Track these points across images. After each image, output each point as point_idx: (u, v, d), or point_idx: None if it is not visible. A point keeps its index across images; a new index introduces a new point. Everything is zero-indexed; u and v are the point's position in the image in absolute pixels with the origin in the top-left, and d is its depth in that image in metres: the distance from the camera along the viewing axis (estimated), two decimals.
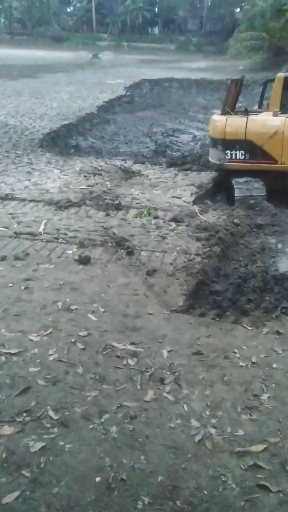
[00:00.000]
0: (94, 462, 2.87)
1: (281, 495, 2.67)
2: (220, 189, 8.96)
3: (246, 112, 8.55)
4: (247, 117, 8.29)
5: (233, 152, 8.30)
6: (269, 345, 4.07)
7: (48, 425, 3.14)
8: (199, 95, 22.77)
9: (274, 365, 3.80)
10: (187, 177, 9.23)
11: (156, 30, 71.97)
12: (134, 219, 6.97)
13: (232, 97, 8.94)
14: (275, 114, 8.09)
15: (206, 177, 9.14)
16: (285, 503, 2.61)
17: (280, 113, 8.10)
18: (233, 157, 8.35)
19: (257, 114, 8.56)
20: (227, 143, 8.36)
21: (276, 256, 6.19)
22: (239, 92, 9.22)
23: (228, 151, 8.35)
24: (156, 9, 69.96)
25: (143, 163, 10.31)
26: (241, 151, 8.24)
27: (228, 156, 8.39)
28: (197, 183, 8.71)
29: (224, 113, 8.64)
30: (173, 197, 8.02)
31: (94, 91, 22.11)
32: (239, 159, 8.32)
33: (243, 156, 8.26)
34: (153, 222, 6.88)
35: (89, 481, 2.75)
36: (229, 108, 8.72)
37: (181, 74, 29.67)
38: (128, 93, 22.42)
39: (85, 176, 9.00)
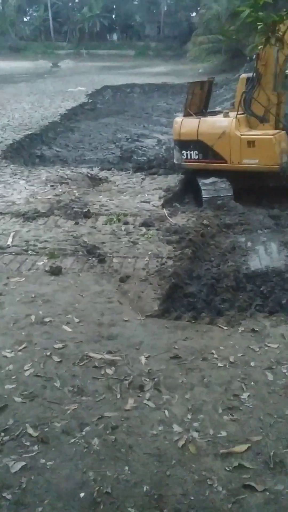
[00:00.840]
0: (77, 478, 2.80)
1: (267, 493, 2.67)
2: (187, 191, 9.02)
3: (203, 114, 8.75)
4: (200, 118, 8.52)
5: (188, 152, 8.56)
6: (245, 344, 4.09)
7: (28, 443, 3.05)
8: (161, 100, 22.95)
9: (252, 363, 3.81)
10: (154, 181, 9.26)
11: (114, 36, 72.30)
12: (104, 226, 6.93)
13: (199, 99, 9.06)
14: (225, 115, 8.25)
15: (173, 180, 9.19)
16: (271, 502, 2.61)
17: (239, 113, 8.25)
18: (189, 157, 8.60)
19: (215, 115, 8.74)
20: (182, 144, 8.63)
21: (246, 254, 6.25)
22: (209, 94, 9.31)
23: (184, 151, 8.62)
24: (113, 16, 70.29)
25: (109, 169, 10.30)
26: (195, 151, 8.48)
27: (184, 156, 8.65)
28: (164, 187, 8.75)
29: (186, 115, 8.79)
30: (141, 201, 8.02)
31: (56, 99, 21.99)
32: (194, 159, 8.56)
33: (197, 156, 8.50)
34: (123, 228, 6.85)
35: (74, 497, 2.68)
36: (197, 110, 8.84)
37: (142, 79, 29.91)
38: (91, 100, 22.40)
39: (51, 186, 8.90)
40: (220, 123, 8.25)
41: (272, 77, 7.82)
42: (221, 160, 8.23)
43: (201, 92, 9.07)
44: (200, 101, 9.09)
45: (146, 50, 58.47)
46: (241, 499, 2.64)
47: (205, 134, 8.29)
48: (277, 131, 7.93)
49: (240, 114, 8.25)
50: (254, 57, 8.22)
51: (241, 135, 7.96)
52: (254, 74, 8.09)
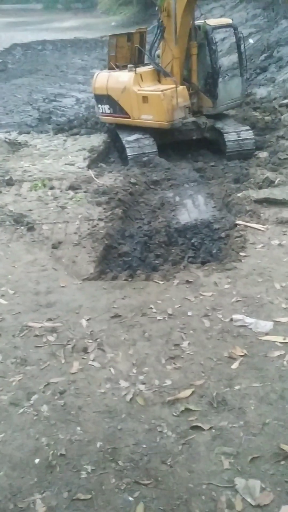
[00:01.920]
0: (30, 445, 2.82)
1: (213, 430, 2.85)
2: (112, 150, 8.92)
3: (116, 67, 8.60)
4: (109, 73, 8.48)
5: (102, 106, 8.68)
6: (181, 295, 4.22)
7: None
8: (76, 56, 22.06)
9: (189, 313, 3.95)
10: (77, 142, 9.01)
11: None
12: (29, 192, 6.70)
13: (129, 52, 8.76)
14: (130, 70, 8.16)
15: (96, 139, 9.01)
16: (217, 437, 2.79)
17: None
18: (103, 111, 8.73)
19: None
20: (97, 98, 8.76)
21: (175, 209, 6.36)
22: (141, 45, 8.92)
23: (99, 105, 8.76)
24: None
25: (28, 133, 9.88)
26: (106, 105, 8.56)
27: (100, 110, 8.79)
28: (88, 147, 8.56)
29: (109, 68, 8.68)
30: (66, 164, 7.81)
31: None
32: (107, 113, 8.67)
33: (108, 110, 8.59)
34: (49, 193, 6.66)
35: (28, 464, 2.71)
36: (127, 63, 8.56)
37: (53, 35, 28.44)
38: (0, 60, 21.05)
39: None
40: (122, 78, 8.20)
41: (174, 29, 7.68)
42: (126, 115, 8.26)
43: (130, 44, 8.78)
44: (131, 53, 8.80)
45: (54, 4, 55.29)
46: (190, 440, 2.79)
47: (112, 89, 8.30)
48: (170, 86, 7.71)
49: (143, 68, 8.19)
50: (157, 9, 8.06)
51: (138, 90, 7.91)
52: (158, 26, 7.99)
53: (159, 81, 8.18)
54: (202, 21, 8.28)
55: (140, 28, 9.28)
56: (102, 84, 8.49)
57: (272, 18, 16.02)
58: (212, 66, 7.99)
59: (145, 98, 7.84)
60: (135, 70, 8.00)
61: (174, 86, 7.67)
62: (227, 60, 12.63)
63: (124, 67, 8.43)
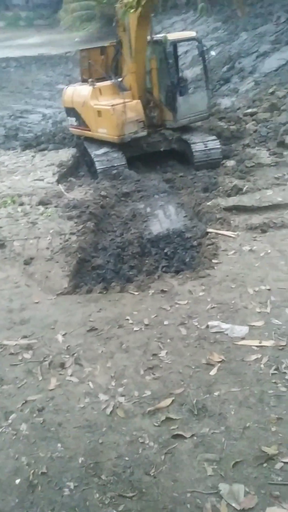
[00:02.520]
0: (10, 466, 2.76)
1: (195, 438, 2.85)
2: (81, 164, 8.93)
3: (84, 81, 8.72)
4: (75, 87, 8.81)
5: (70, 118, 8.98)
6: (157, 305, 4.23)
7: None
8: (41, 72, 22.03)
9: (166, 322, 3.96)
10: (45, 157, 8.99)
11: None
12: None
13: (104, 65, 8.77)
14: (90, 84, 8.23)
15: (64, 154, 9.00)
16: (199, 445, 2.79)
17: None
18: (71, 123, 9.03)
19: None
20: (66, 110, 9.08)
21: (147, 220, 6.39)
22: (116, 58, 8.68)
23: (68, 117, 9.11)
24: None
25: None
26: (73, 118, 8.83)
27: (69, 122, 9.14)
28: (57, 162, 8.54)
29: (82, 81, 8.86)
30: (35, 180, 7.77)
31: None
32: (73, 125, 8.96)
33: (75, 123, 8.85)
34: (19, 209, 6.60)
35: (9, 485, 2.64)
36: (101, 76, 8.59)
37: (17, 52, 28.36)
38: None
39: None
40: (83, 92, 8.39)
41: (129, 43, 7.74)
42: (87, 128, 8.46)
43: (103, 58, 8.81)
44: (106, 66, 8.80)
45: (16, 21, 55.20)
46: (172, 449, 2.79)
47: (76, 102, 8.54)
48: (120, 101, 7.70)
49: (105, 82, 8.31)
50: (114, 24, 8.16)
51: (94, 105, 8.04)
52: (118, 42, 8.12)
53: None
54: (163, 35, 8.40)
55: (113, 41, 9.29)
56: (69, 97, 8.77)
57: (232, 31, 16.44)
58: (170, 80, 8.07)
59: (99, 112, 7.99)
60: (94, 85, 8.14)
61: (128, 100, 7.78)
62: (190, 73, 12.86)
63: (98, 80, 8.47)
